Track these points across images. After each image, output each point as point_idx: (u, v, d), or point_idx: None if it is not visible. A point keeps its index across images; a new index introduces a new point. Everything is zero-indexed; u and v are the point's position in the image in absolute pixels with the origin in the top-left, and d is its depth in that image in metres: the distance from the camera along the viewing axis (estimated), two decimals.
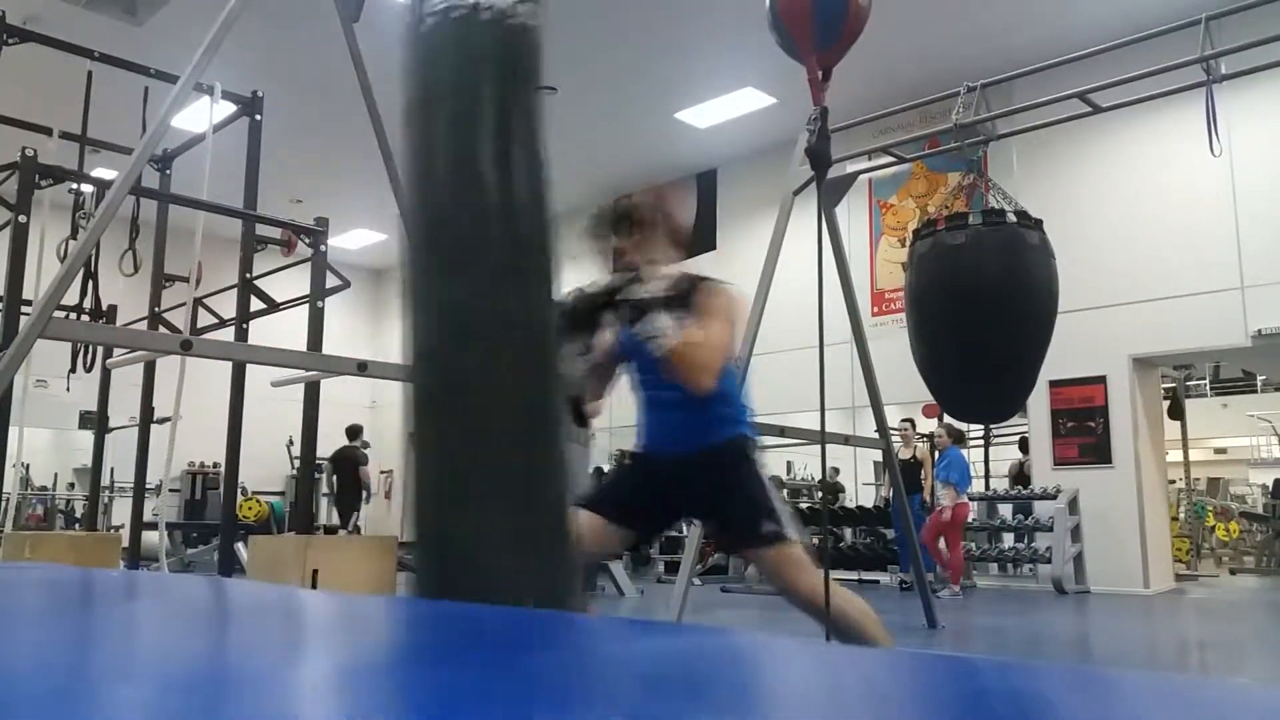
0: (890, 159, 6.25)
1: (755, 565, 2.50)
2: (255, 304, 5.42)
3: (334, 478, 11.95)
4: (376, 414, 15.65)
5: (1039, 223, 4.97)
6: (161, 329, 5.98)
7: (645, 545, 3.07)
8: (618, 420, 11.82)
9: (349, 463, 11.60)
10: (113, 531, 8.42)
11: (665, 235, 2.69)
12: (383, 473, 15.75)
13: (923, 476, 8.50)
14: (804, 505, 10.38)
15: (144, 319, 6.25)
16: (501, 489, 1.82)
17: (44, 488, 13.51)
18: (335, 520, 14.76)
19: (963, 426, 8.72)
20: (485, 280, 1.88)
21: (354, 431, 11.89)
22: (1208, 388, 17.57)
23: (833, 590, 2.43)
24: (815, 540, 9.28)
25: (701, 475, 2.48)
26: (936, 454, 8.51)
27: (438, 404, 1.87)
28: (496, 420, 1.86)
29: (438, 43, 2.02)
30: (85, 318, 5.78)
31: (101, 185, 5.03)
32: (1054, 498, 8.40)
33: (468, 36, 2.03)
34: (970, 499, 8.43)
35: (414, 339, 1.96)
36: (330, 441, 11.26)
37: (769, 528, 2.41)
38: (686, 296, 2.49)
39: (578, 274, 2.31)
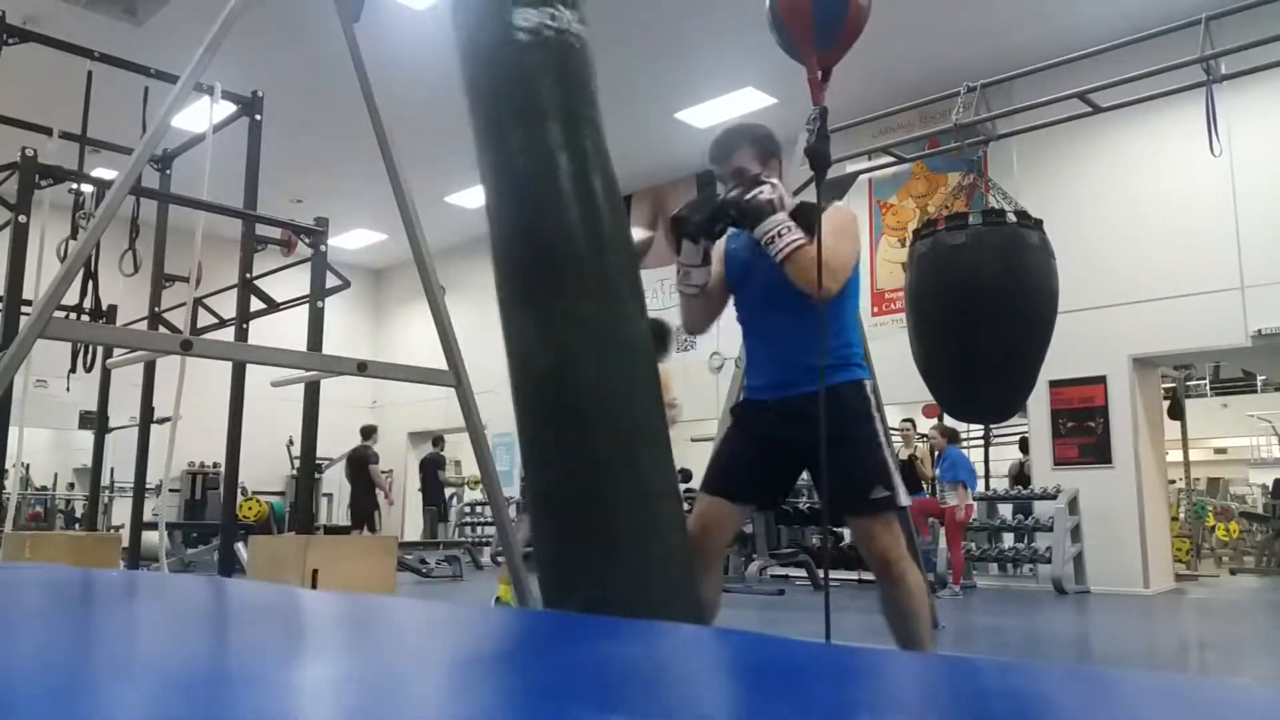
0: (890, 159, 6.25)
1: (851, 530, 2.35)
2: (255, 304, 5.42)
3: (349, 481, 11.96)
4: (377, 414, 15.65)
5: (1039, 223, 4.97)
6: (161, 329, 5.98)
7: (775, 508, 2.86)
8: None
9: (359, 463, 11.60)
10: (113, 531, 8.42)
11: (768, 156, 2.65)
12: (383, 472, 15.76)
13: (920, 472, 8.50)
14: (804, 505, 10.36)
15: (144, 319, 6.24)
16: (635, 509, 1.84)
17: (44, 488, 13.51)
18: (344, 521, 14.80)
19: (962, 426, 8.73)
20: (587, 298, 1.90)
21: (367, 431, 11.91)
22: (1208, 388, 17.58)
23: (915, 567, 2.35)
24: (816, 540, 9.30)
25: (802, 423, 2.28)
26: (936, 454, 8.52)
27: (563, 419, 1.89)
28: (623, 431, 1.87)
29: (506, 63, 2.04)
30: (85, 318, 5.78)
31: (101, 185, 5.03)
32: (1054, 498, 8.41)
33: (534, 57, 2.04)
34: (971, 498, 8.44)
35: (524, 361, 1.97)
36: (333, 441, 11.27)
37: (880, 493, 2.26)
38: (804, 215, 2.39)
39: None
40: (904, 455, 8.19)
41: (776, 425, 2.39)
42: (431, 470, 12.89)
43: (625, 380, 1.90)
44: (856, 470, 2.29)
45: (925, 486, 8.64)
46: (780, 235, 2.27)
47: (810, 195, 4.51)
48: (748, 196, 2.33)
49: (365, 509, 11.56)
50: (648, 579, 1.82)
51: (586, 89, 2.06)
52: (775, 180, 2.47)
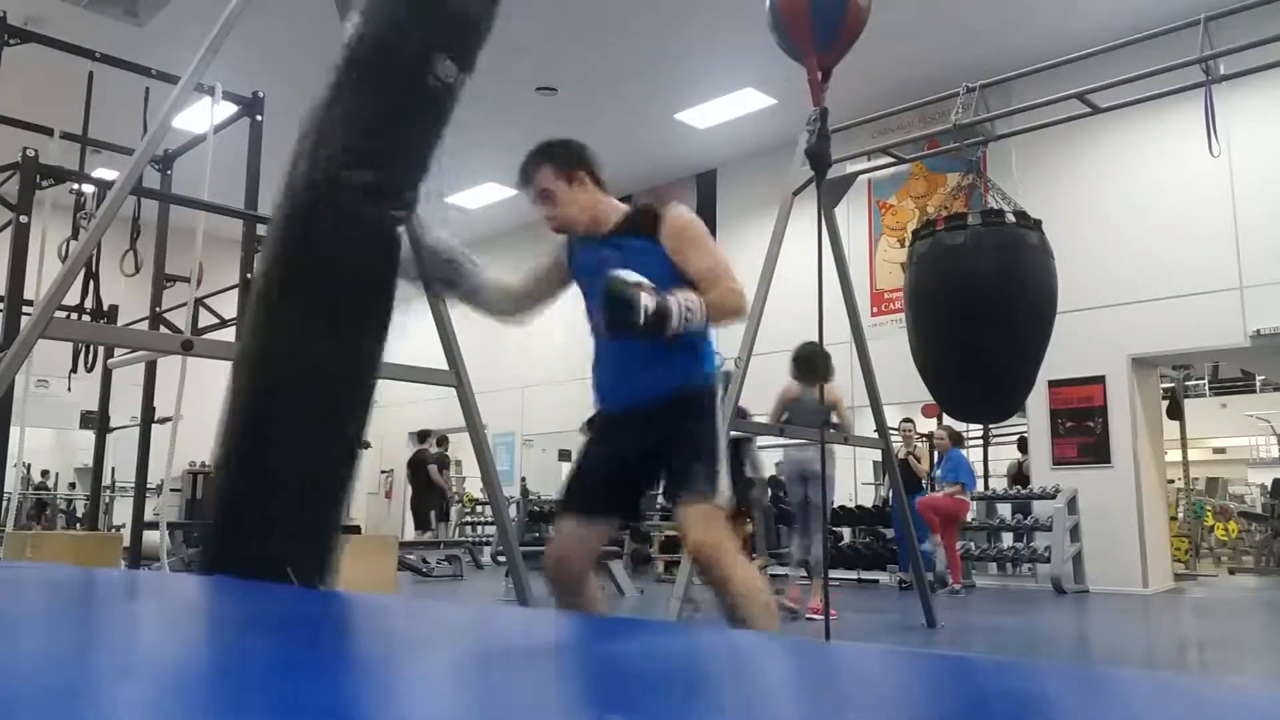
0: (890, 159, 6.25)
1: (676, 518, 2.34)
2: None
3: (409, 482, 12.07)
4: (377, 414, 15.61)
5: (1038, 223, 4.98)
6: (163, 329, 5.98)
7: (636, 519, 2.92)
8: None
9: (421, 465, 11.71)
10: (114, 531, 8.42)
11: (572, 173, 2.55)
12: (383, 472, 15.76)
13: (917, 471, 8.49)
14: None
15: (145, 319, 6.25)
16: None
17: (45, 487, 13.52)
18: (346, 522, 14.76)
19: (961, 426, 8.73)
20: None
21: (424, 435, 12.00)
22: (1206, 388, 17.58)
23: (740, 559, 2.34)
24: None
25: (650, 428, 2.33)
26: (938, 456, 8.52)
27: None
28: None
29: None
30: (86, 318, 5.79)
31: (102, 186, 5.03)
32: (1053, 497, 8.41)
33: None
34: (970, 498, 8.44)
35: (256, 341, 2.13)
36: None
37: (700, 484, 2.28)
38: (638, 227, 2.41)
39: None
40: (902, 454, 8.19)
41: (632, 433, 2.38)
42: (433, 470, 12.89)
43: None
44: (689, 463, 2.31)
45: (924, 485, 8.63)
46: (688, 319, 2.20)
47: (811, 195, 4.54)
48: (633, 311, 2.15)
49: (424, 509, 11.67)
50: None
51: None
52: (591, 203, 2.49)
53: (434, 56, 1.97)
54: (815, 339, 4.09)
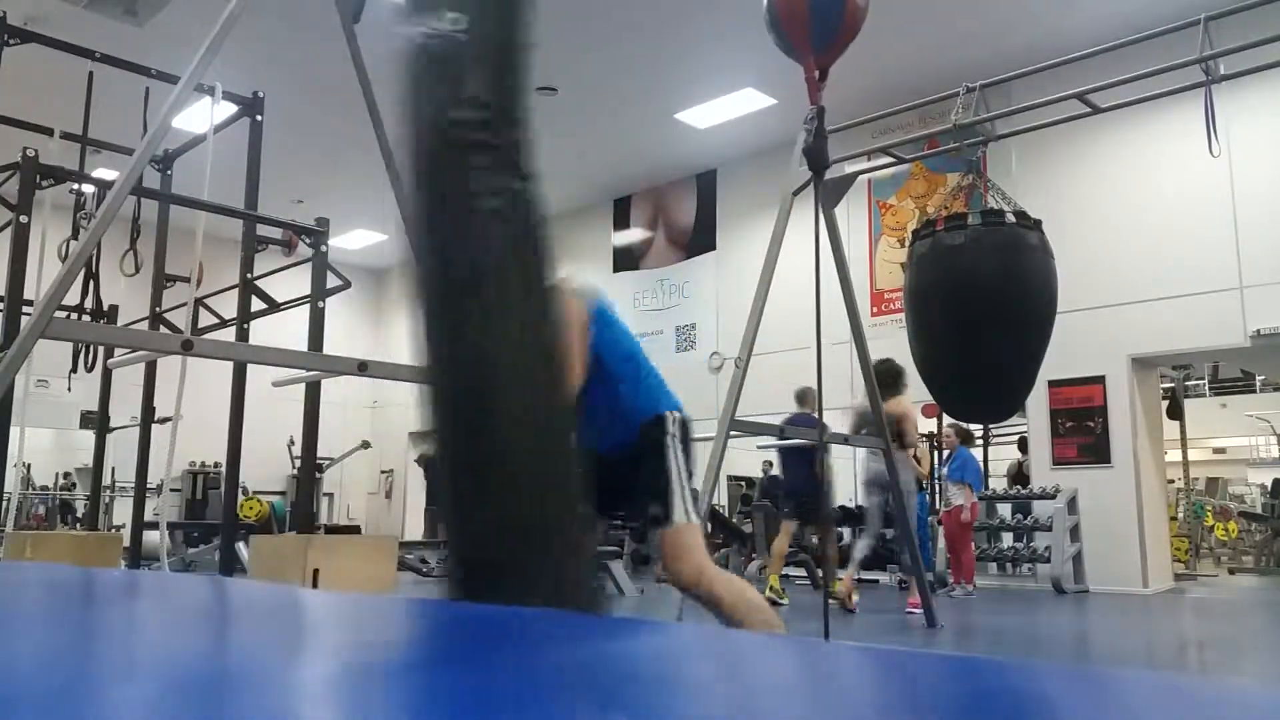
0: (889, 159, 6.26)
1: (651, 549, 2.53)
2: (256, 304, 5.42)
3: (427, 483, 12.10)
4: (377, 414, 15.66)
5: (1038, 223, 4.98)
6: (162, 329, 5.98)
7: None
8: None
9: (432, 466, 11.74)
10: (114, 531, 8.43)
11: None
12: (383, 472, 15.76)
13: (923, 473, 8.50)
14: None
15: (145, 319, 6.25)
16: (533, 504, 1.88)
17: (45, 487, 13.52)
18: (343, 521, 14.79)
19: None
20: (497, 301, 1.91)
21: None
22: (1206, 388, 17.59)
23: (721, 578, 2.44)
24: (816, 539, 9.31)
25: (616, 467, 2.47)
26: (946, 454, 8.51)
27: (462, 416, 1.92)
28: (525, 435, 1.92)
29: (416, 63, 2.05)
30: (86, 318, 5.79)
31: (102, 186, 5.03)
32: (1053, 497, 8.41)
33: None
34: (978, 498, 8.42)
35: (438, 357, 2.01)
36: (333, 441, 11.28)
37: (655, 510, 2.42)
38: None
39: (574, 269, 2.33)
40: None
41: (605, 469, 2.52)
42: (433, 470, 12.91)
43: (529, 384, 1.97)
44: (646, 491, 2.49)
45: (924, 485, 8.63)
46: None
47: (811, 195, 4.53)
48: None
49: (436, 509, 11.75)
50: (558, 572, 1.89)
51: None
52: None
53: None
54: (814, 339, 4.09)
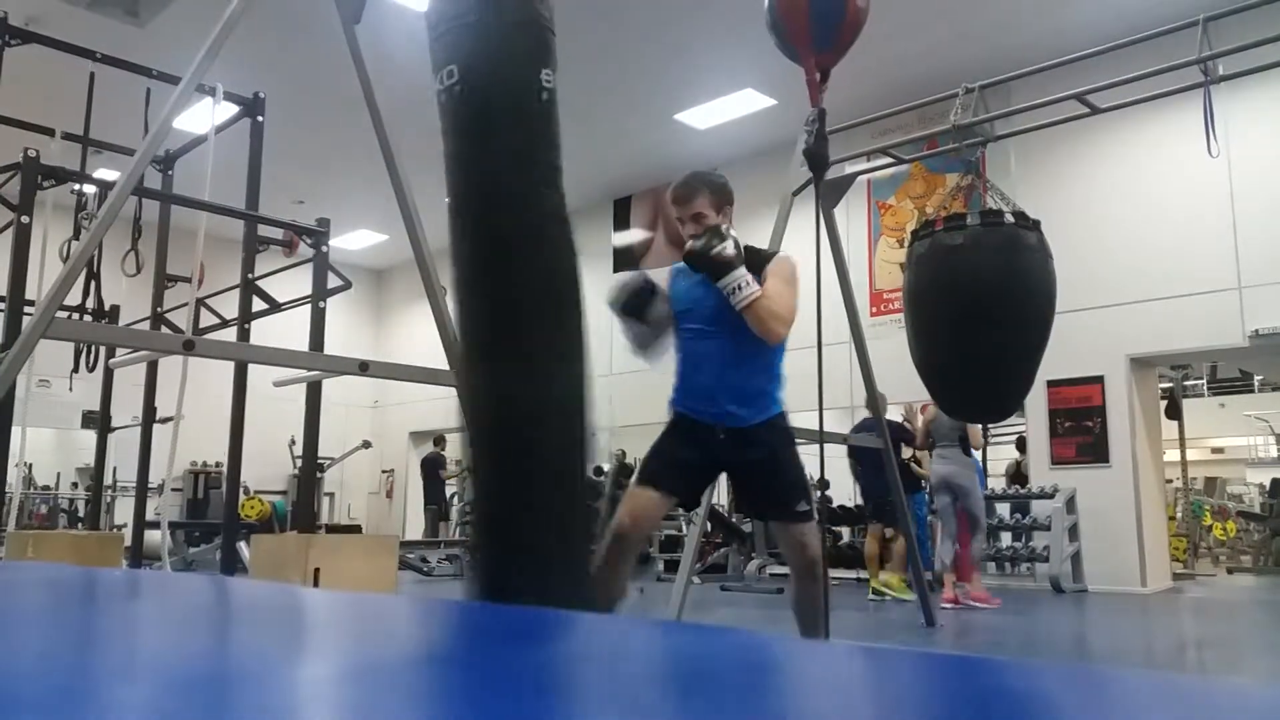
0: (889, 160, 6.26)
1: (778, 534, 2.78)
2: (257, 304, 5.43)
3: (424, 484, 12.31)
4: (378, 414, 15.66)
5: (1037, 223, 4.98)
6: (164, 329, 5.99)
7: (689, 508, 3.49)
8: (619, 419, 11.84)
9: (432, 466, 11.91)
10: (115, 531, 8.43)
11: (722, 205, 2.94)
12: (383, 472, 15.76)
13: (918, 473, 8.49)
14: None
15: (146, 319, 6.25)
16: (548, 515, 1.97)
17: (47, 487, 13.52)
18: (344, 520, 14.78)
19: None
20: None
21: (438, 439, 12.32)
22: (1205, 388, 17.60)
23: (825, 575, 2.77)
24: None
25: (747, 448, 2.70)
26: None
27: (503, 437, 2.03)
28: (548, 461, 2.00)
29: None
30: (88, 318, 5.79)
31: (104, 186, 5.03)
32: (1051, 497, 8.42)
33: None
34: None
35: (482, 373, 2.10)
36: (334, 441, 11.28)
37: (803, 506, 2.69)
38: (754, 264, 2.74)
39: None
40: (905, 455, 8.19)
41: (725, 447, 2.74)
42: (433, 470, 12.91)
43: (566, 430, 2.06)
44: (790, 488, 2.72)
45: (925, 486, 8.63)
46: (740, 288, 2.63)
47: (811, 196, 4.54)
48: (713, 251, 2.68)
49: (435, 514, 11.90)
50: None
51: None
52: (733, 233, 2.81)
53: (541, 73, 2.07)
54: (815, 339, 4.10)
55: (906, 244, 5.37)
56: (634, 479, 2.86)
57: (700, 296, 2.80)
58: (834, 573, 8.94)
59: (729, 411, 2.70)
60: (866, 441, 5.78)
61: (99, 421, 6.45)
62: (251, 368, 5.00)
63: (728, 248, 2.67)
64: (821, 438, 4.16)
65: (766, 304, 2.60)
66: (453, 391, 3.75)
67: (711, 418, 2.71)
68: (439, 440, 13.14)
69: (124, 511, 10.08)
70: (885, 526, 7.32)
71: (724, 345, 2.71)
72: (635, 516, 2.73)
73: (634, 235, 12.52)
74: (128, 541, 6.40)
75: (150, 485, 6.25)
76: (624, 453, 10.68)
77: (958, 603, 6.63)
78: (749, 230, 11.40)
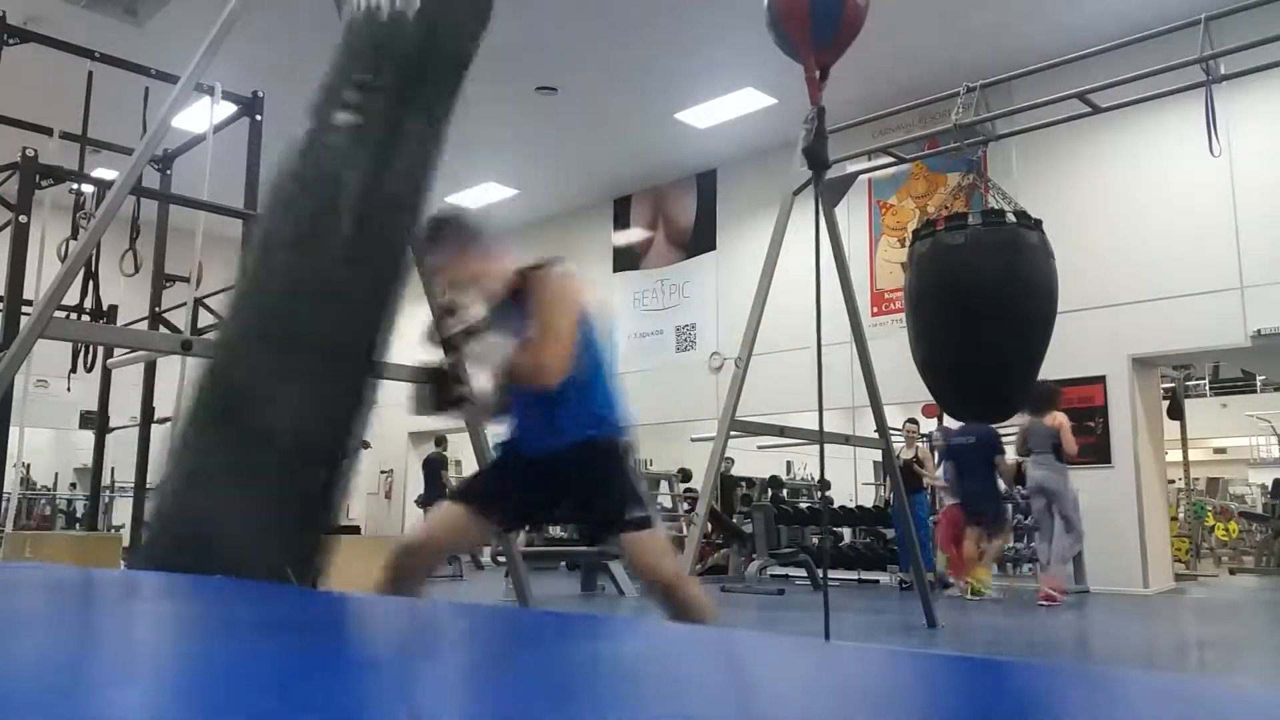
0: (890, 159, 6.25)
1: (620, 550, 2.54)
2: None
3: (425, 483, 12.31)
4: (377, 414, 15.62)
5: (1038, 223, 4.97)
6: (162, 329, 5.98)
7: (509, 533, 3.32)
8: None
9: (433, 467, 11.94)
10: (113, 531, 8.42)
11: (475, 251, 2.58)
12: (382, 472, 15.76)
13: (924, 477, 8.50)
14: (804, 505, 10.36)
15: (144, 319, 6.25)
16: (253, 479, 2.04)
17: (45, 487, 13.53)
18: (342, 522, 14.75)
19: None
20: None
21: (440, 439, 12.32)
22: (1207, 388, 17.59)
23: (679, 575, 2.50)
24: (817, 540, 9.31)
25: (565, 471, 2.49)
26: (937, 456, 8.52)
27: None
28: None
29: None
30: (86, 318, 5.79)
31: (102, 185, 5.03)
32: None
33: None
34: None
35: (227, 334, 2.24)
36: None
37: (635, 512, 2.44)
38: (522, 293, 2.49)
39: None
40: (906, 456, 8.19)
41: (535, 467, 2.54)
42: (434, 470, 12.92)
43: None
44: (611, 498, 2.47)
45: (926, 486, 8.63)
46: (495, 355, 2.44)
47: (809, 196, 4.53)
48: (467, 327, 2.49)
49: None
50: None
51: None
52: (462, 303, 2.56)
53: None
54: (814, 339, 4.09)
55: (908, 244, 5.37)
56: (449, 495, 2.77)
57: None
58: (835, 574, 8.94)
59: (547, 445, 2.53)
60: (865, 442, 5.76)
61: (97, 422, 6.45)
62: None
63: (456, 335, 2.50)
64: (821, 438, 4.15)
65: (519, 364, 2.39)
66: None
67: (534, 451, 2.56)
68: (440, 440, 13.14)
69: (122, 512, 10.07)
70: (987, 532, 7.46)
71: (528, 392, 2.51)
72: (431, 531, 2.64)
73: (634, 235, 12.52)
74: (126, 542, 6.39)
75: (149, 486, 6.24)
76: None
77: (1054, 599, 6.87)
78: (749, 230, 11.37)
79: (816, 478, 12.15)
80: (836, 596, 6.24)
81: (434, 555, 2.70)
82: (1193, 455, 12.55)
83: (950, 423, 8.16)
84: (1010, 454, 7.69)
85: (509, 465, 2.66)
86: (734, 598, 7.75)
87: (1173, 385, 11.60)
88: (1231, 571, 12.39)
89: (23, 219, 4.41)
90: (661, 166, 11.52)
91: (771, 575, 9.40)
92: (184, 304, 5.12)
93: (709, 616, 2.44)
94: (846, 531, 10.49)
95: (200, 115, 5.27)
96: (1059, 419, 7.00)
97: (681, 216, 11.95)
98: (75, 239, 5.66)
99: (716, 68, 9.10)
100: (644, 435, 12.92)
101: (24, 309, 4.31)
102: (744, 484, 10.67)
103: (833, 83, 4.27)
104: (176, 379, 4.81)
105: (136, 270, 6.10)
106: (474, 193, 12.09)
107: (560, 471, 2.51)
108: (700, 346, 11.55)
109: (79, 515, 12.45)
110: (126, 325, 6.34)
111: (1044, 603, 6.81)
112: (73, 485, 13.68)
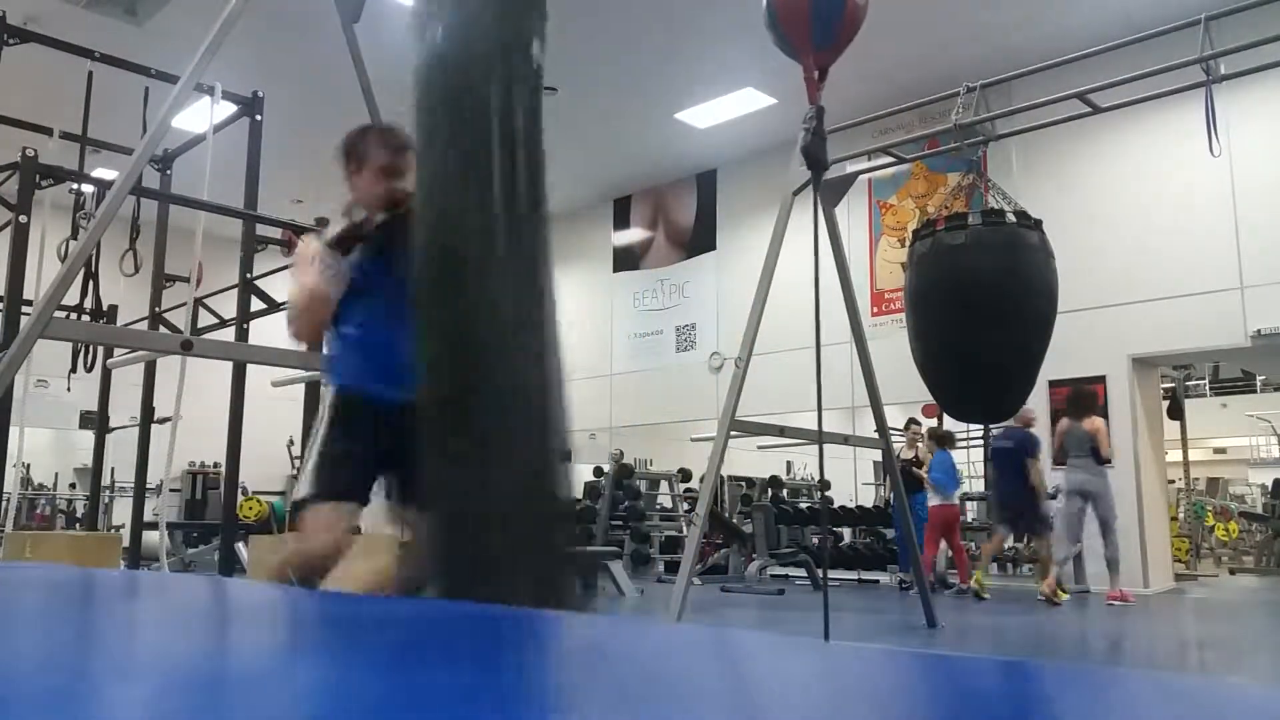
0: (890, 159, 6.25)
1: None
2: (255, 304, 5.42)
3: None
4: None
5: (1038, 223, 4.98)
6: (162, 329, 5.98)
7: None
8: (617, 420, 11.83)
9: None
10: (113, 531, 8.42)
11: (365, 168, 2.58)
12: None
13: (920, 475, 8.50)
14: (804, 505, 10.36)
15: (144, 319, 6.25)
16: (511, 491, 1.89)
17: (45, 487, 13.52)
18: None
19: (960, 426, 8.72)
20: (492, 290, 1.97)
21: None
22: (1207, 388, 17.58)
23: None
24: (817, 540, 9.31)
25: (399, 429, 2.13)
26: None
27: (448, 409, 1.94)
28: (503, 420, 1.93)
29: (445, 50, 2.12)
30: (86, 318, 5.79)
31: (102, 185, 5.03)
32: (1053, 497, 8.40)
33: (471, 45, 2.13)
34: (969, 498, 8.42)
35: (428, 348, 2.03)
36: None
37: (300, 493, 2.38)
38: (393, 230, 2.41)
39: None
40: (907, 456, 8.19)
41: (386, 428, 2.29)
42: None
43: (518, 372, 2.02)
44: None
45: (924, 488, 8.63)
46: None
47: (808, 196, 4.53)
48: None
49: None
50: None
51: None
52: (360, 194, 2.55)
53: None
54: (814, 339, 4.09)
55: (908, 243, 5.37)
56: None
57: (377, 276, 2.55)
58: (835, 574, 8.94)
59: (396, 392, 2.25)
60: (864, 442, 5.76)
61: (97, 421, 6.45)
62: (250, 367, 4.99)
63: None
64: (821, 438, 4.15)
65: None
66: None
67: (387, 396, 2.35)
68: None
69: (122, 512, 10.07)
70: (1026, 536, 7.52)
71: (394, 326, 2.28)
72: (337, 542, 2.51)
73: (634, 235, 12.52)
74: (126, 542, 6.39)
75: (148, 486, 6.24)
76: (622, 453, 10.68)
77: (1123, 599, 7.09)
78: (749, 230, 11.38)
79: (816, 478, 12.16)
80: (836, 596, 6.24)
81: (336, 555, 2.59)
82: (1193, 455, 12.55)
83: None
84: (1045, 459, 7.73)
85: (355, 430, 2.46)
86: (734, 598, 7.75)
87: (1173, 385, 11.60)
88: (1231, 571, 12.38)
89: (23, 219, 4.41)
90: (661, 166, 11.52)
91: (771, 575, 9.40)
92: (184, 304, 5.12)
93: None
94: (846, 531, 10.48)
95: (200, 115, 5.28)
96: (1097, 423, 7.16)
97: (681, 216, 11.95)
98: (75, 239, 5.67)
99: (716, 68, 9.10)
100: (644, 435, 12.93)
101: (24, 309, 4.32)
102: (744, 484, 10.67)
103: (832, 83, 4.27)
104: (176, 379, 4.82)
105: (136, 270, 6.11)
106: None
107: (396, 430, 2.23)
108: (700, 346, 11.55)
109: (79, 515, 12.44)
110: (126, 325, 6.35)
111: (1114, 603, 6.99)
112: (73, 485, 13.66)
